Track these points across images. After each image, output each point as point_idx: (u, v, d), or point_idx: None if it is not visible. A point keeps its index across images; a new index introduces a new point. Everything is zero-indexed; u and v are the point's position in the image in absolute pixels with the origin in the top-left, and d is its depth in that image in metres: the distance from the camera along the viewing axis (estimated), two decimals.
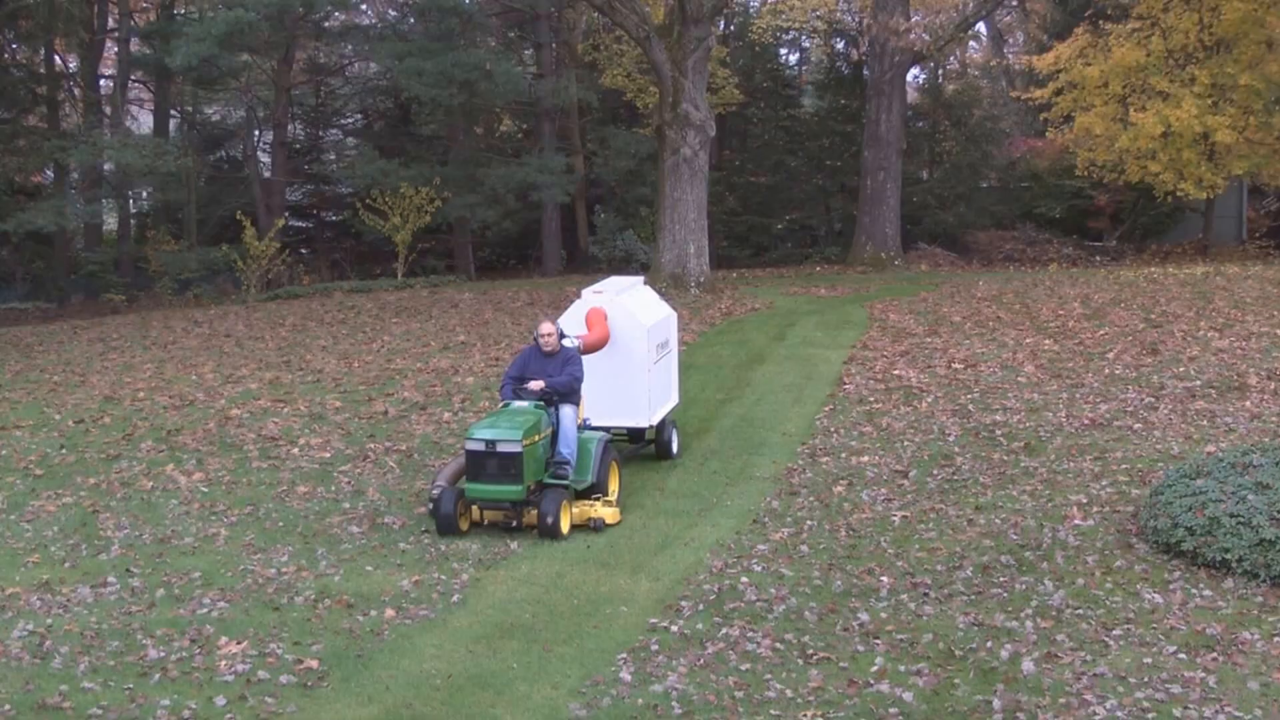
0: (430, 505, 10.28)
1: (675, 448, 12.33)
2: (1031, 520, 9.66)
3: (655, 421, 12.16)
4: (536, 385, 10.41)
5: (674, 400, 12.87)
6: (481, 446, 9.88)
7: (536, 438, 10.00)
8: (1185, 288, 19.45)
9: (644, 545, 9.69)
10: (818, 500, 10.60)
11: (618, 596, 8.53)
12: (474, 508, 10.18)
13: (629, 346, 11.75)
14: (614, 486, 10.84)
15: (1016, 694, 6.66)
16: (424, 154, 32.19)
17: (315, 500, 11.07)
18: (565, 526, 9.91)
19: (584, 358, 11.08)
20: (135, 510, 10.94)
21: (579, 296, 12.16)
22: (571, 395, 10.58)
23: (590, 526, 10.03)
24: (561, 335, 10.92)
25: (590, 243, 31.98)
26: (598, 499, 10.42)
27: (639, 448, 12.31)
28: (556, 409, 10.48)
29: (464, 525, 10.05)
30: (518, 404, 10.36)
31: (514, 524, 10.04)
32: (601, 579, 8.91)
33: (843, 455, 11.90)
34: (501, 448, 9.80)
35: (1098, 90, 25.73)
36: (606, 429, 11.56)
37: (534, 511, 9.98)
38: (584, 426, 10.88)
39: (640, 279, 12.98)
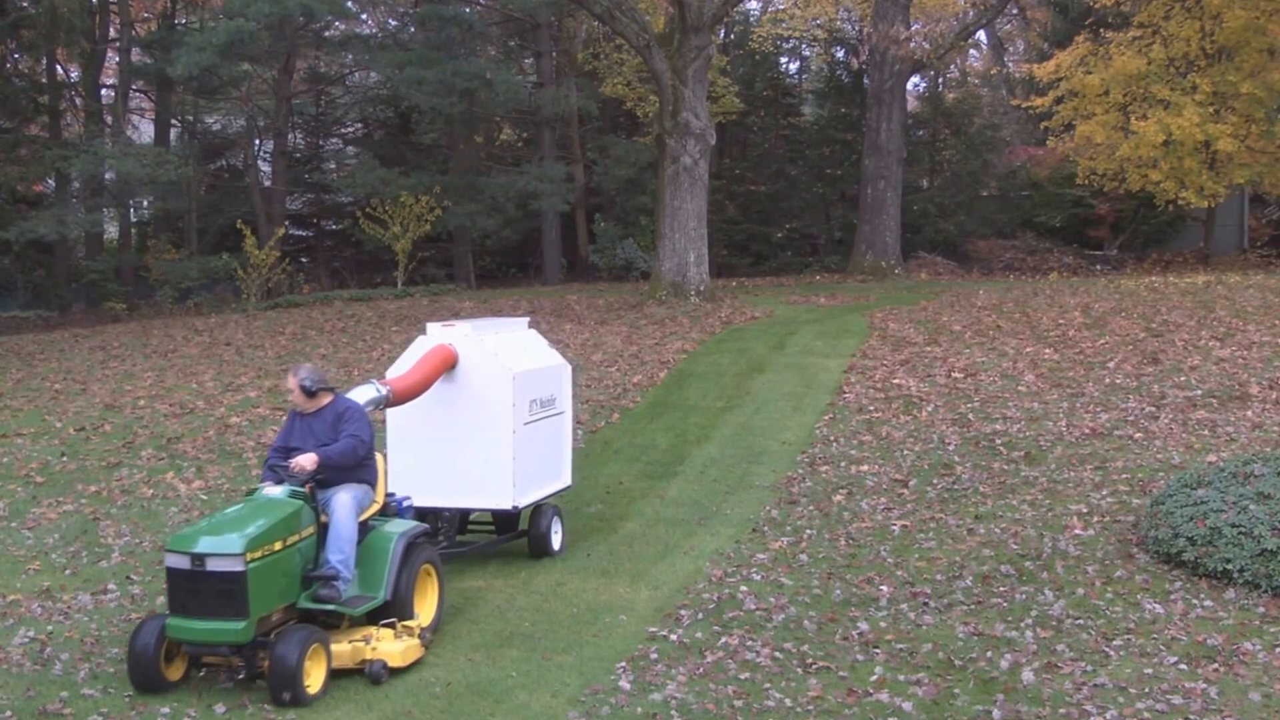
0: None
1: (557, 543, 9.66)
2: (1031, 530, 9.64)
3: (524, 504, 9.39)
4: (309, 461, 7.46)
5: (562, 480, 10.15)
6: (186, 563, 6.84)
7: (278, 545, 7.03)
8: (1186, 297, 19.44)
9: (643, 554, 9.67)
10: (817, 509, 10.58)
11: (617, 605, 8.51)
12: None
13: (487, 398, 9.16)
14: (426, 605, 7.93)
15: (1016, 704, 6.65)
16: (424, 163, 32.25)
17: None
18: (317, 684, 6.89)
19: (403, 412, 8.67)
20: (136, 518, 10.95)
21: (423, 332, 9.57)
22: (354, 469, 7.79)
23: (366, 674, 7.14)
24: (311, 389, 7.85)
25: (590, 251, 32.01)
26: (391, 625, 7.41)
27: (504, 540, 9.76)
28: (329, 493, 7.61)
29: (173, 674, 7.09)
30: (269, 491, 7.42)
31: (241, 675, 7.05)
32: (601, 587, 8.89)
33: (842, 464, 11.89)
34: (215, 565, 6.78)
35: (1098, 98, 25.74)
36: (443, 512, 9.21)
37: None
38: (398, 510, 8.29)
39: (525, 320, 10.59)
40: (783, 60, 37.51)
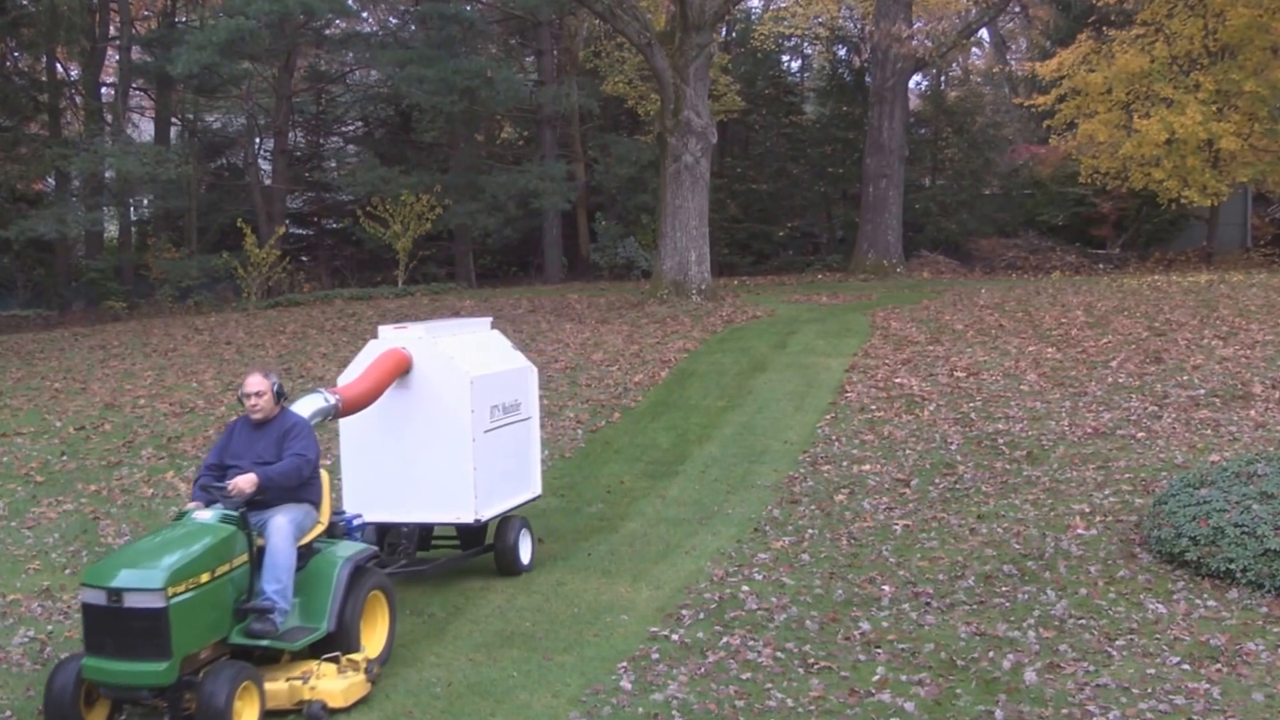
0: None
1: (526, 557, 9.17)
2: (1034, 529, 9.61)
3: (487, 516, 8.91)
4: (247, 482, 6.90)
5: (530, 490, 9.68)
6: (102, 599, 6.24)
7: (205, 577, 6.42)
8: (1189, 296, 19.40)
9: (645, 553, 9.65)
10: (819, 509, 10.56)
11: (618, 605, 8.49)
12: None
13: (444, 405, 8.68)
14: (375, 635, 7.37)
15: (1019, 704, 6.62)
16: (425, 161, 32.24)
17: None
18: None
19: (358, 420, 8.15)
20: (136, 517, 10.93)
21: (375, 336, 9.03)
22: (296, 490, 7.21)
23: (305, 715, 6.56)
24: (279, 394, 7.42)
25: (591, 250, 31.98)
26: (334, 660, 6.83)
27: (469, 555, 9.23)
28: (266, 515, 7.02)
29: (95, 718, 6.47)
30: (199, 515, 6.80)
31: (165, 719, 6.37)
32: (602, 587, 8.87)
33: (844, 464, 11.85)
34: (133, 601, 6.17)
35: (1101, 97, 25.70)
36: (401, 528, 8.74)
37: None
38: (347, 530, 7.72)
39: (488, 320, 9.97)
40: (784, 58, 37.50)
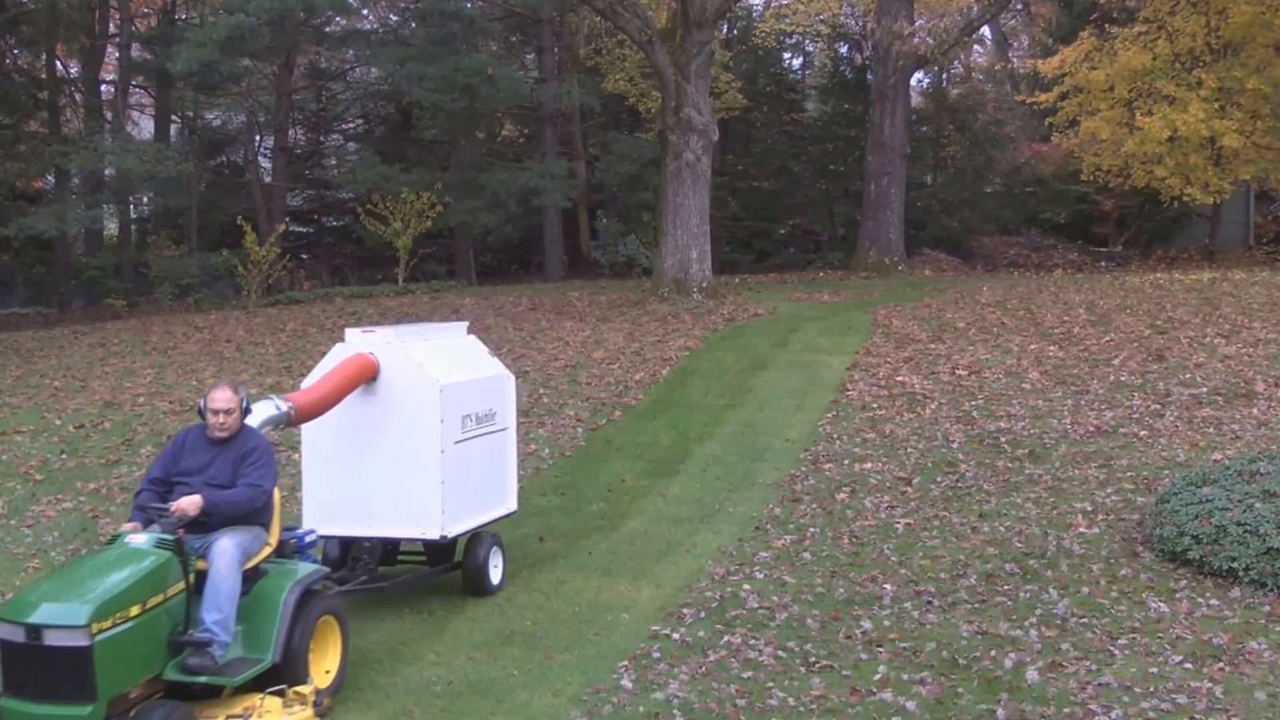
0: None
1: (496, 577, 8.66)
2: (1036, 528, 9.58)
3: (455, 532, 8.40)
4: (192, 504, 6.41)
5: (504, 506, 9.14)
6: (20, 635, 5.71)
7: (135, 610, 5.86)
8: (1191, 294, 19.37)
9: (645, 552, 9.62)
10: (820, 507, 10.53)
11: (619, 603, 8.46)
12: None
13: (412, 413, 8.17)
14: (325, 664, 6.88)
15: (1021, 703, 6.59)
16: (425, 159, 32.20)
17: None
18: None
19: (321, 425, 7.72)
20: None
21: (342, 339, 8.60)
22: (248, 516, 6.72)
23: None
24: (245, 409, 6.99)
25: (592, 248, 31.95)
26: (279, 693, 6.35)
27: (436, 573, 8.77)
28: (211, 538, 6.50)
29: None
30: (132, 540, 6.24)
31: None
32: (603, 586, 8.84)
33: (846, 462, 11.82)
34: (54, 639, 5.64)
35: (1103, 94, 25.66)
36: (364, 542, 8.27)
37: None
38: (298, 549, 7.22)
39: (463, 325, 9.50)
40: (786, 56, 37.43)
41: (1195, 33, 25.09)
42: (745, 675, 7.14)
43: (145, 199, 34.22)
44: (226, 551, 6.36)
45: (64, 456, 13.02)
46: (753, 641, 7.63)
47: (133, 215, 34.56)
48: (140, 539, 6.23)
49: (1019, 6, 37.11)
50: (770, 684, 7.00)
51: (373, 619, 8.26)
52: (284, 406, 7.52)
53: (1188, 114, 23.45)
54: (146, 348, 20.02)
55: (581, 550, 9.70)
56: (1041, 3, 36.26)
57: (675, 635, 7.81)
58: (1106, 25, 26.52)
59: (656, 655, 7.48)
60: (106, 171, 29.74)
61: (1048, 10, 35.63)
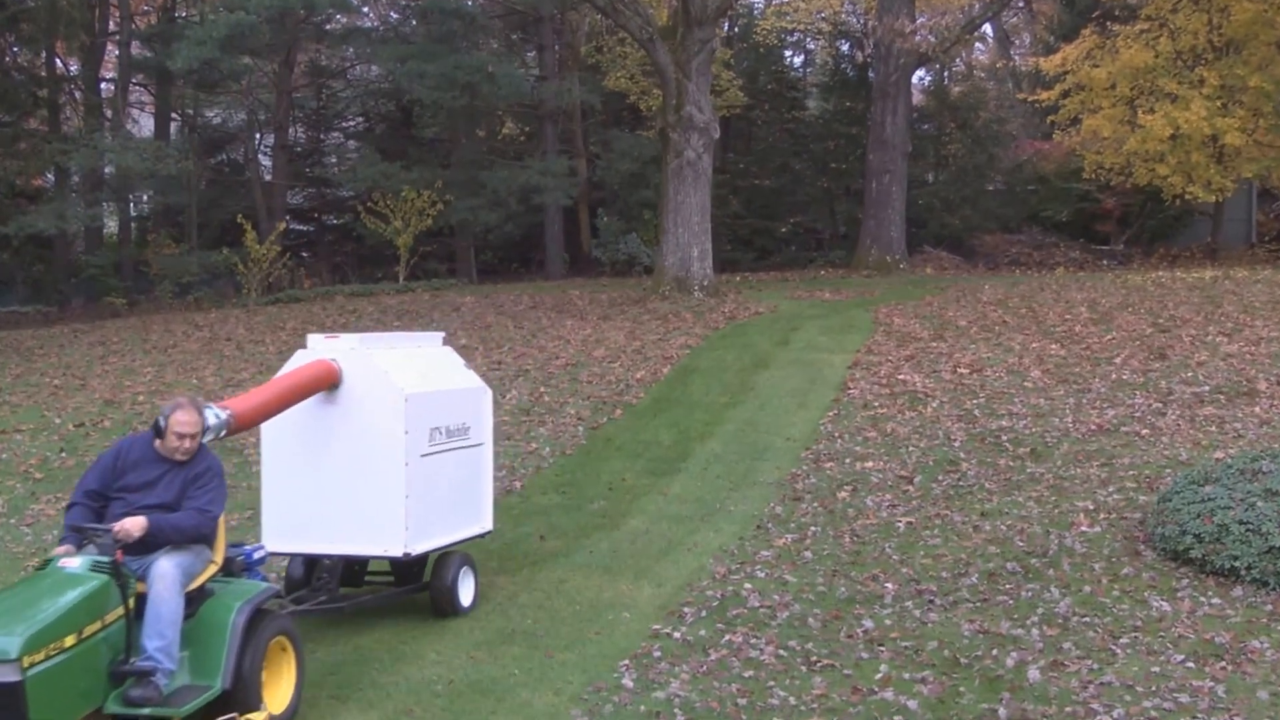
0: None
1: (466, 599, 8.25)
2: (1038, 527, 9.56)
3: (419, 551, 7.97)
4: (134, 525, 5.98)
5: (478, 524, 8.69)
6: None
7: (70, 640, 5.43)
8: (1193, 292, 19.35)
9: (647, 550, 9.60)
10: (821, 506, 10.51)
11: (620, 602, 8.45)
12: None
13: (375, 424, 7.76)
14: (279, 688, 6.48)
15: (1022, 702, 6.57)
16: (426, 157, 32.18)
17: None
18: None
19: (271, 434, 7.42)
20: None
21: (305, 346, 8.19)
22: (194, 541, 6.33)
23: None
24: (206, 429, 6.63)
25: (593, 246, 31.93)
26: None
27: (402, 593, 8.40)
28: (150, 559, 6.09)
29: None
30: (66, 564, 5.79)
31: None
32: (604, 585, 8.82)
33: (847, 461, 11.80)
34: None
35: (1105, 92, 25.63)
36: (324, 559, 7.99)
37: None
38: (246, 566, 6.87)
39: (439, 335, 9.07)
40: (787, 54, 37.39)
41: (1197, 30, 25.06)
42: (746, 674, 7.12)
43: (145, 197, 34.19)
44: (167, 573, 5.95)
45: (64, 455, 13.01)
46: (754, 640, 7.61)
47: (133, 213, 34.56)
48: (74, 562, 5.76)
49: (1021, 4, 37.07)
50: (771, 683, 6.98)
51: (373, 618, 8.24)
52: (222, 415, 6.96)
53: (1190, 112, 23.42)
54: (146, 346, 20.02)
55: (582, 549, 9.68)
56: (1043, 0, 36.22)
57: (676, 634, 7.79)
58: (1108, 23, 26.52)
59: (658, 654, 7.47)
60: (106, 169, 29.74)
61: (1049, 8, 35.59)
